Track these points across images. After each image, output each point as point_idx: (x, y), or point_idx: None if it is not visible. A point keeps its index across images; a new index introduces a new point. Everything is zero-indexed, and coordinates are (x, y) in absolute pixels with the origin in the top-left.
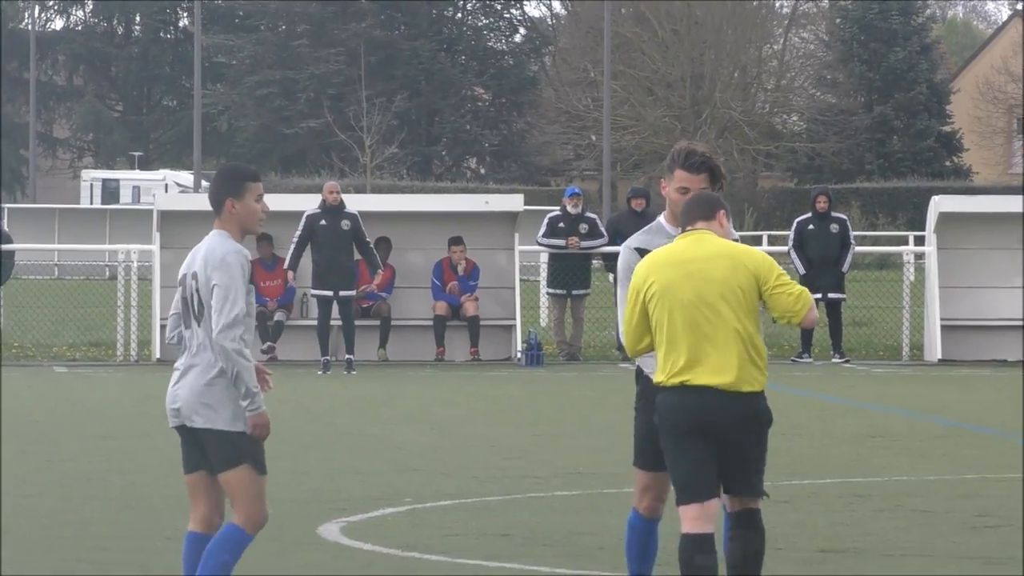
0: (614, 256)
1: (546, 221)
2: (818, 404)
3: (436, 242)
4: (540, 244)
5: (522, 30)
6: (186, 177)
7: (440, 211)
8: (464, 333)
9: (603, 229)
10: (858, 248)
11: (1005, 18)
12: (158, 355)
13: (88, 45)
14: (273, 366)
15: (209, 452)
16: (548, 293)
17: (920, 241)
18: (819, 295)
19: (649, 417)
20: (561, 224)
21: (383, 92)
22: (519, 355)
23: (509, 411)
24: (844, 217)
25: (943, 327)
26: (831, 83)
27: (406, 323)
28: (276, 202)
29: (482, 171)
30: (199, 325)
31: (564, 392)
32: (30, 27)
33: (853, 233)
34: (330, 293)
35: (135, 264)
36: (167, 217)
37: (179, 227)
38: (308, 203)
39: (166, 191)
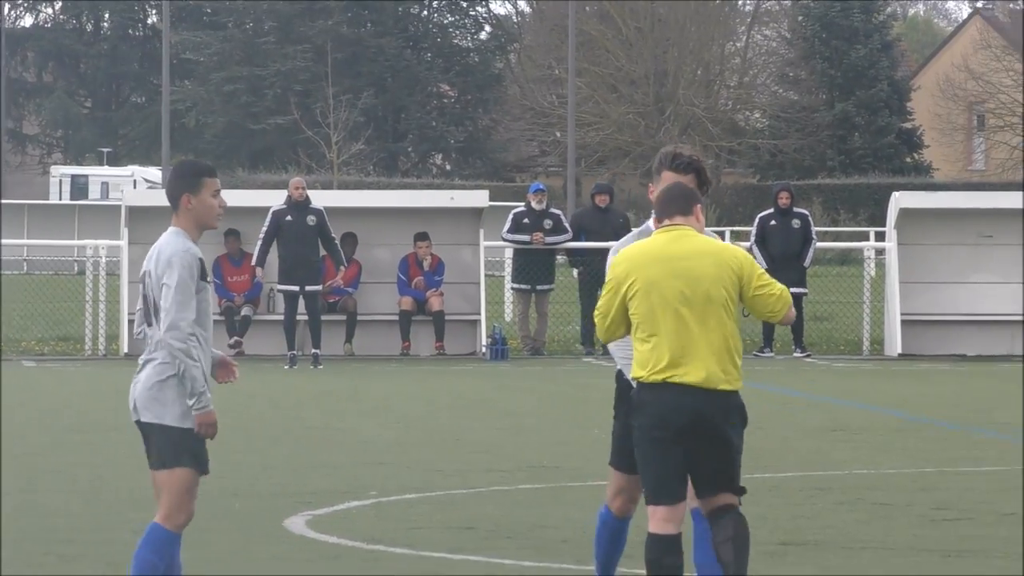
0: (578, 252)
1: (511, 217)
2: (779, 398)
3: (402, 238)
4: (505, 240)
5: (487, 27)
6: (155, 173)
7: (406, 207)
8: (429, 328)
9: (567, 225)
10: (819, 244)
11: (965, 16)
12: (126, 350)
13: (57, 42)
14: (240, 360)
15: (150, 446)
16: (512, 288)
17: (881, 237)
18: None
19: (628, 419)
20: (526, 220)
21: (350, 89)
22: (484, 350)
23: (474, 405)
24: (806, 213)
25: (903, 322)
26: (793, 80)
27: (372, 318)
28: (243, 198)
29: (448, 167)
30: (157, 321)
31: (528, 386)
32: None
33: (815, 229)
34: (296, 288)
35: (103, 259)
36: (135, 213)
37: (147, 223)
38: (275, 199)
39: (135, 187)
